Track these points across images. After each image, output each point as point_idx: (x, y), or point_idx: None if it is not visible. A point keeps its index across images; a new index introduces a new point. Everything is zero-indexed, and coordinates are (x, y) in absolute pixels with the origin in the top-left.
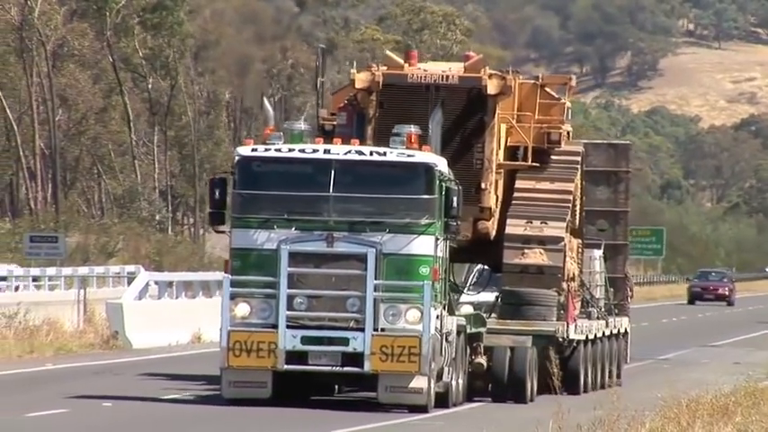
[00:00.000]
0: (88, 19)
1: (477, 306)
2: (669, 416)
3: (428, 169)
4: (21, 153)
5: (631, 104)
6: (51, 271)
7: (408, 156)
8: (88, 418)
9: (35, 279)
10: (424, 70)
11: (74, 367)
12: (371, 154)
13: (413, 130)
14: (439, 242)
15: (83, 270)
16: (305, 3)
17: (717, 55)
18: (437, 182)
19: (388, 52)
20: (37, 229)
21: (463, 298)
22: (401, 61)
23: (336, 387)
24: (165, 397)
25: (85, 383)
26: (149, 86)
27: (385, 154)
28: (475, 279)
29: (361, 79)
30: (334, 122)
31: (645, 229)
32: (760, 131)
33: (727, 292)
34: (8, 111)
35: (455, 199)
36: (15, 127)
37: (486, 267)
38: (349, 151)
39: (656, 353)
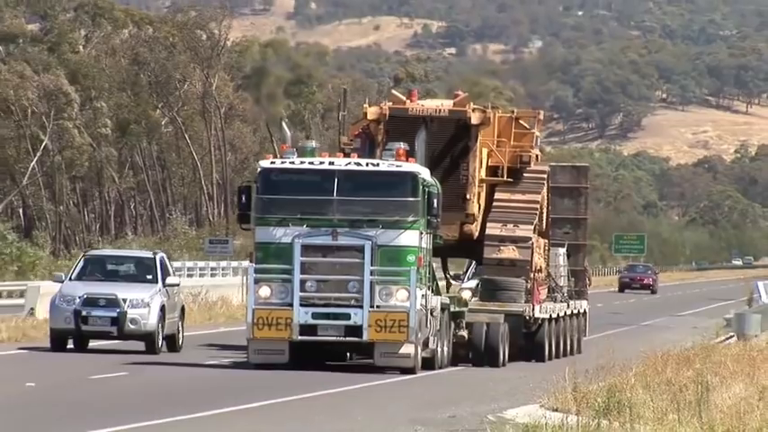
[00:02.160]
0: (249, 90)
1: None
2: (648, 363)
3: (413, 177)
4: (203, 183)
5: (623, 149)
6: (224, 264)
7: (397, 166)
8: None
9: (213, 269)
10: (422, 105)
11: (239, 330)
12: (367, 165)
13: (401, 146)
14: (423, 236)
15: (245, 263)
16: (399, 80)
17: (681, 115)
18: (420, 187)
19: (393, 91)
20: (213, 235)
21: (464, 285)
22: (404, 98)
23: (349, 355)
24: (207, 362)
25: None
26: None
27: (378, 165)
28: (473, 271)
29: (372, 112)
30: (352, 146)
31: (632, 235)
32: (711, 168)
33: (651, 282)
34: (194, 154)
35: (435, 201)
36: (199, 165)
37: (473, 261)
38: (349, 163)
39: (639, 320)
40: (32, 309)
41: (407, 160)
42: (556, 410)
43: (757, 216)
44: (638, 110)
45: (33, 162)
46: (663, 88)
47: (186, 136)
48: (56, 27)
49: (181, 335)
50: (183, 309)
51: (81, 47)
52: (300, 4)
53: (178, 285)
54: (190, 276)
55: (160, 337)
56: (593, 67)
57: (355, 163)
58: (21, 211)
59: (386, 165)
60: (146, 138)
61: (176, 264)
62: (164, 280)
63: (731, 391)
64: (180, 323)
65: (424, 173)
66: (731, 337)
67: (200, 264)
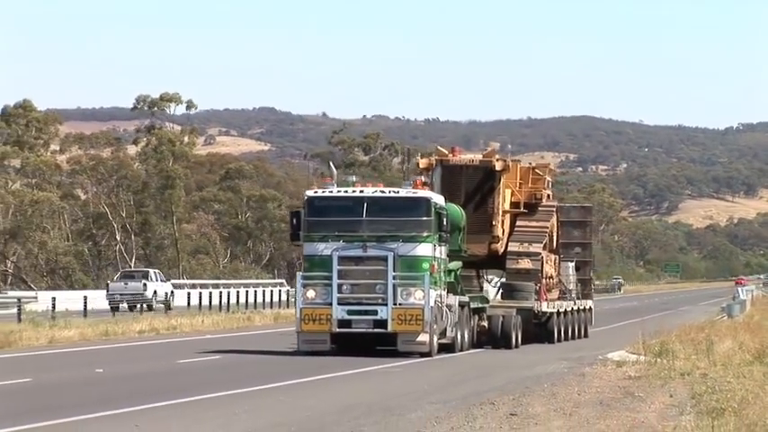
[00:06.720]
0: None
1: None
2: (681, 331)
3: (426, 201)
4: None
5: (668, 220)
6: None
7: (414, 193)
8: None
9: None
10: (460, 157)
11: None
12: (390, 192)
13: (419, 177)
14: (435, 247)
15: None
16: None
17: (698, 203)
18: (433, 209)
19: (438, 147)
20: None
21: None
22: (446, 152)
23: (398, 342)
24: (268, 349)
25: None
26: None
27: (398, 192)
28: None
29: (423, 163)
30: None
31: (673, 263)
32: (713, 230)
33: None
34: None
35: (445, 220)
36: None
37: (501, 271)
38: (375, 191)
39: (677, 307)
40: None
41: (423, 188)
42: (633, 353)
43: (738, 254)
44: (676, 200)
45: None
46: (689, 188)
47: None
48: (376, 157)
49: None
50: None
51: (395, 166)
52: (501, 147)
53: None
54: None
55: None
56: (653, 178)
57: (380, 191)
58: None
59: (404, 192)
60: None
61: None
62: None
63: (725, 344)
64: None
65: (436, 198)
66: (724, 316)
67: None
